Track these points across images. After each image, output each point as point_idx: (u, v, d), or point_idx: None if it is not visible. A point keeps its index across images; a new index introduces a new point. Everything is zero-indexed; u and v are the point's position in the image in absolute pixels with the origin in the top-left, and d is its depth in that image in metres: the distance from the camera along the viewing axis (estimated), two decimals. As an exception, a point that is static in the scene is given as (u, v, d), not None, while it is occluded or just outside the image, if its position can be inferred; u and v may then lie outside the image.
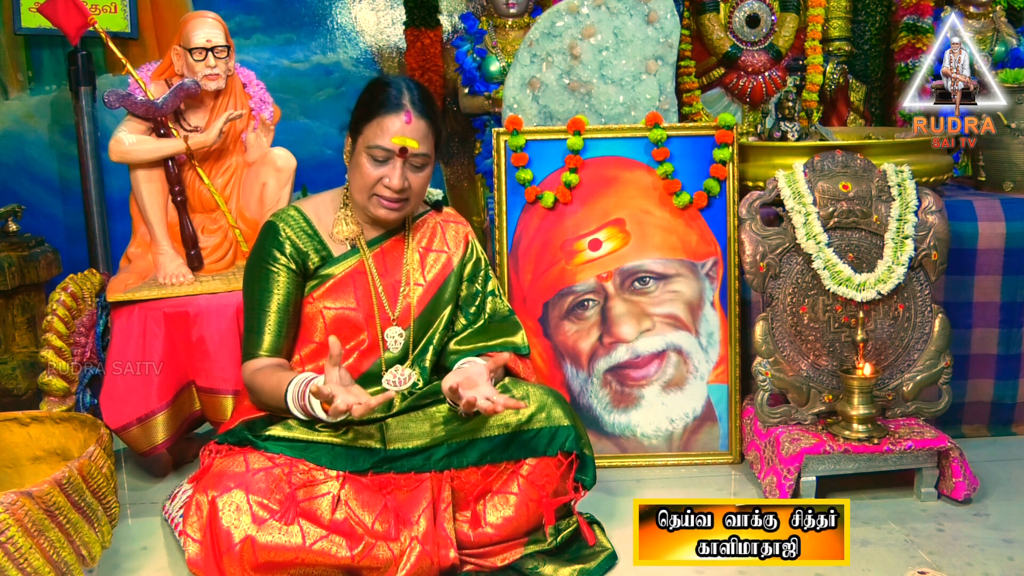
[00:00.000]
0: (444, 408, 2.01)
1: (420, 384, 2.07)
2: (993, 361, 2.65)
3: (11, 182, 3.55)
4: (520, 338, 2.15)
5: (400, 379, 2.06)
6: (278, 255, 2.03)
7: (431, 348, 2.10)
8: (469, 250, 2.19)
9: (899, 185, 2.37)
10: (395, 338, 2.06)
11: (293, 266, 2.03)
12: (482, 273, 2.20)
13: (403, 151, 1.95)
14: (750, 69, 3.39)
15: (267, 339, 2.01)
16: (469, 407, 1.86)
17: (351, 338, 2.05)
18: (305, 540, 1.74)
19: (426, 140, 1.98)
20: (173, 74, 2.58)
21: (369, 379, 2.05)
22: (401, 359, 2.08)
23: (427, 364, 2.09)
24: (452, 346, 2.13)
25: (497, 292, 2.21)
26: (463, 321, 2.16)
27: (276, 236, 2.04)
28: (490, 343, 2.11)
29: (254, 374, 1.99)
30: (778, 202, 2.40)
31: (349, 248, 2.08)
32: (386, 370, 2.06)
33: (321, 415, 1.87)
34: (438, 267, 2.14)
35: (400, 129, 1.95)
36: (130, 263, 2.60)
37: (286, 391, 1.91)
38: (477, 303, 2.17)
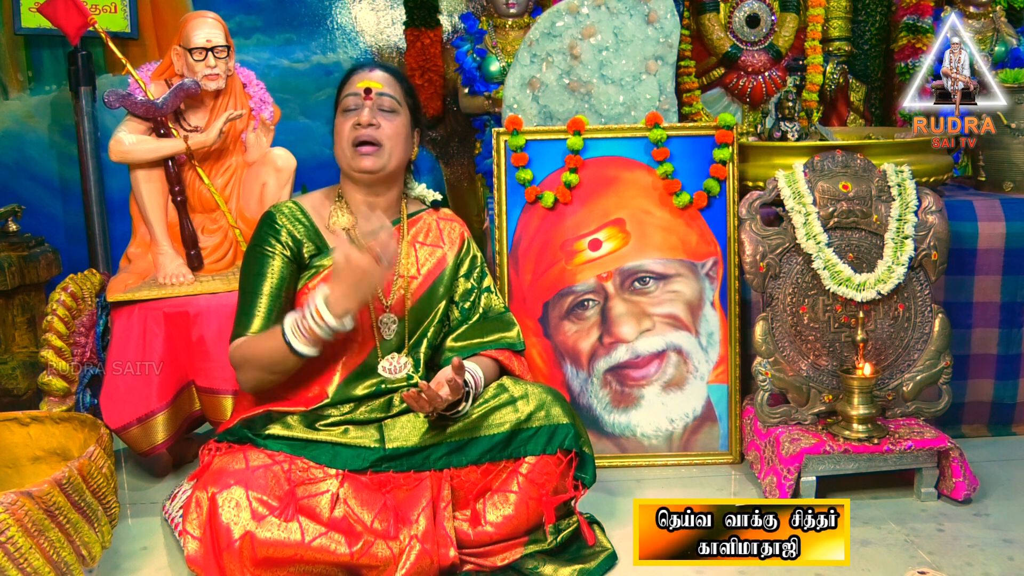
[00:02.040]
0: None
1: (415, 378, 2.08)
2: (993, 361, 2.65)
3: (11, 182, 3.55)
4: (515, 334, 2.17)
5: (395, 367, 2.07)
6: (274, 241, 2.06)
7: (425, 340, 2.12)
8: (464, 247, 2.22)
9: (899, 185, 2.37)
10: (389, 324, 2.09)
11: (288, 252, 2.06)
12: (477, 270, 2.22)
13: (368, 92, 2.05)
14: (750, 69, 3.39)
15: (257, 321, 2.01)
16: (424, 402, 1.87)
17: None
18: (304, 536, 1.74)
19: (391, 86, 2.10)
20: (173, 74, 2.58)
21: (366, 371, 2.07)
22: (396, 348, 2.10)
23: (421, 356, 2.11)
24: (448, 343, 2.15)
25: (492, 289, 2.23)
26: (458, 316, 2.18)
27: (273, 223, 2.08)
28: (485, 340, 2.13)
29: (238, 348, 1.99)
30: (778, 202, 2.40)
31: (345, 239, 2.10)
32: (382, 357, 2.07)
33: (328, 317, 1.85)
34: (433, 261, 2.17)
35: (364, 76, 2.10)
36: (130, 263, 2.60)
37: (283, 330, 1.89)
38: (472, 299, 2.19)
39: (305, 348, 1.90)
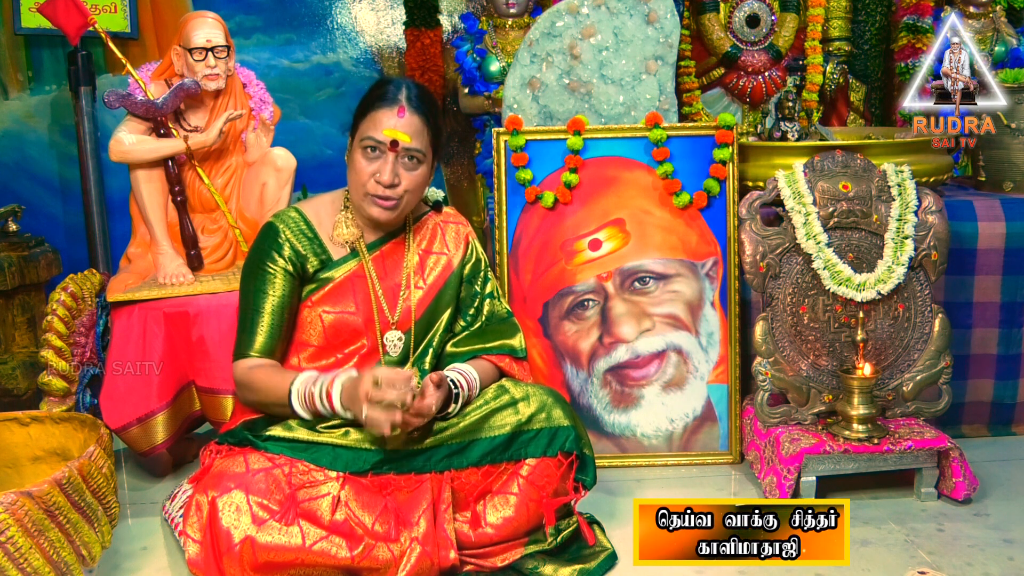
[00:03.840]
0: None
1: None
2: (993, 361, 2.65)
3: (11, 182, 3.55)
4: (517, 340, 2.14)
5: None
6: (276, 257, 2.02)
7: (431, 351, 2.10)
8: (469, 251, 2.18)
9: (899, 185, 2.37)
10: (395, 342, 2.06)
11: (291, 268, 2.02)
12: (481, 274, 2.19)
13: (394, 144, 1.94)
14: (750, 69, 3.40)
15: (259, 340, 2.00)
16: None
17: (350, 343, 2.04)
18: (305, 540, 1.74)
19: (419, 136, 1.96)
20: (173, 74, 2.58)
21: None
22: (401, 362, 2.07)
23: (427, 366, 2.08)
24: (449, 348, 2.12)
25: (496, 294, 2.20)
26: (461, 323, 2.15)
27: (275, 238, 2.03)
28: (486, 345, 2.11)
29: (249, 371, 1.99)
30: (778, 202, 2.40)
31: (349, 251, 2.07)
32: None
33: (339, 408, 1.87)
34: (438, 269, 2.13)
35: (392, 123, 1.94)
36: (130, 263, 2.60)
37: (290, 386, 1.91)
38: (475, 304, 2.16)
39: (302, 412, 1.92)
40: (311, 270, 2.04)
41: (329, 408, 1.88)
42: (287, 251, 2.02)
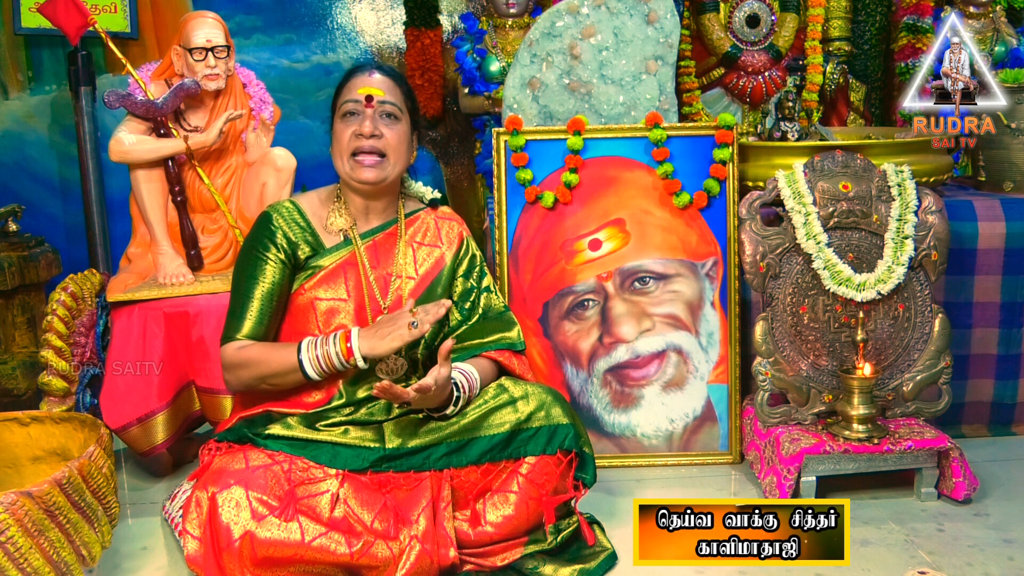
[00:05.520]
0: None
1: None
2: (993, 361, 2.65)
3: (11, 182, 3.55)
4: (515, 333, 2.16)
5: (392, 368, 2.07)
6: (269, 244, 2.05)
7: (423, 341, 2.11)
8: (463, 247, 2.21)
9: (899, 185, 2.37)
10: None
11: (283, 256, 2.05)
12: (476, 270, 2.21)
13: (369, 99, 2.03)
14: (750, 69, 3.39)
15: (248, 324, 2.02)
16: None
17: (342, 329, 2.06)
18: (304, 536, 1.74)
19: (392, 92, 2.07)
20: (173, 74, 2.58)
21: (364, 373, 2.06)
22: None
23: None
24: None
25: (492, 288, 2.22)
26: (458, 316, 2.17)
27: (268, 225, 2.07)
28: (485, 340, 2.12)
29: (239, 350, 2.00)
30: (778, 202, 2.40)
31: (342, 240, 2.10)
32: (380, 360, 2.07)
33: (359, 359, 1.93)
34: (431, 262, 2.16)
35: (365, 81, 2.06)
36: (130, 263, 2.60)
37: (298, 353, 1.95)
38: (471, 299, 2.18)
39: (316, 376, 1.96)
40: (303, 257, 2.07)
41: (345, 359, 1.93)
42: (279, 238, 2.06)
